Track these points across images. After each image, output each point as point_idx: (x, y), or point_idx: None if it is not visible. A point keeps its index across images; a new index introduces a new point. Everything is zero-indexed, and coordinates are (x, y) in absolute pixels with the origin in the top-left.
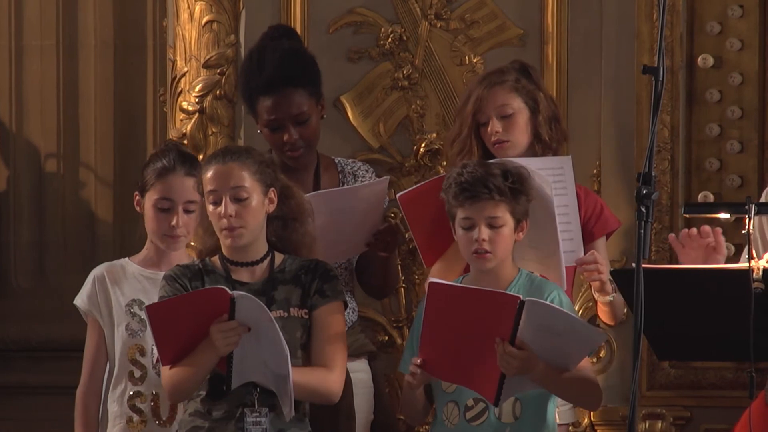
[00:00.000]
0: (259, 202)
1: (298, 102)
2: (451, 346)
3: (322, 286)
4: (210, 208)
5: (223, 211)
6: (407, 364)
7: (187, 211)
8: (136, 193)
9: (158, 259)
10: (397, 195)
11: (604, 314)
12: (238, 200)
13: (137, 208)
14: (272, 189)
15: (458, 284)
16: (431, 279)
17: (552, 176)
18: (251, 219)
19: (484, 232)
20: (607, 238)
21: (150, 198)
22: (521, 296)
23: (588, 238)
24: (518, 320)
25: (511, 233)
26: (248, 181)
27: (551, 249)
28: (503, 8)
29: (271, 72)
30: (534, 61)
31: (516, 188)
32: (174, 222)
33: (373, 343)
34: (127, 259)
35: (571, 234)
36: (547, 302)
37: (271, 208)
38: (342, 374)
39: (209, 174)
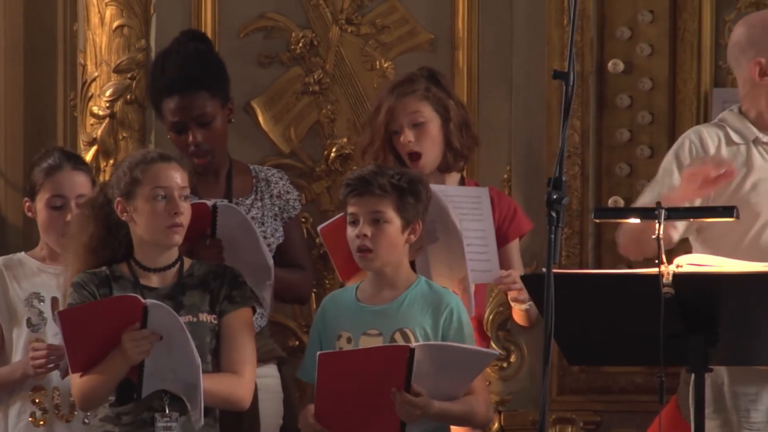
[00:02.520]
0: (189, 207)
1: (201, 103)
2: (347, 406)
3: (231, 292)
4: (151, 204)
5: (176, 209)
6: (306, 371)
7: (79, 206)
8: (26, 199)
9: (54, 258)
10: (319, 228)
11: (519, 318)
12: (183, 199)
13: (29, 214)
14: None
15: (346, 350)
16: (320, 352)
17: (469, 203)
18: (187, 221)
19: (366, 228)
20: (519, 240)
21: (41, 198)
22: (409, 345)
23: (502, 241)
24: (411, 367)
25: (397, 232)
26: (187, 183)
27: (462, 272)
28: (414, 13)
29: (174, 74)
30: (444, 66)
31: (401, 186)
32: (68, 218)
33: (284, 348)
34: (23, 253)
35: (488, 255)
36: (436, 342)
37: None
38: (252, 380)
39: (151, 173)
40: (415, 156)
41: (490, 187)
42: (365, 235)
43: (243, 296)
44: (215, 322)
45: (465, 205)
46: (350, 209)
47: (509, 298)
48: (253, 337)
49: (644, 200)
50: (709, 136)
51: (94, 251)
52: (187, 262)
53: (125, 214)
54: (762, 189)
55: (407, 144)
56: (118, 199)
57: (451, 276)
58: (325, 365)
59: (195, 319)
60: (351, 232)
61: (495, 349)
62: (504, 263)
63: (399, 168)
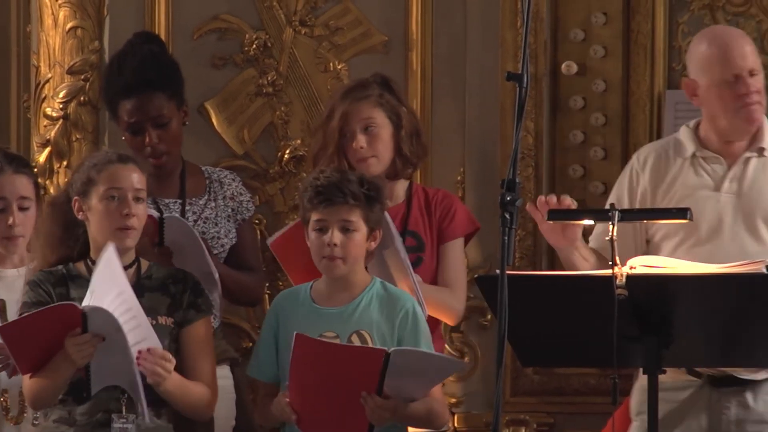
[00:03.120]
0: (146, 210)
1: (158, 105)
2: (319, 398)
3: (195, 300)
4: (104, 204)
5: (127, 210)
6: (255, 369)
7: (21, 209)
8: None
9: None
10: (268, 242)
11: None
12: (137, 201)
13: None
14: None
15: (323, 340)
16: (296, 332)
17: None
18: (141, 224)
19: (337, 236)
20: (467, 242)
21: None
22: (386, 349)
23: (440, 240)
24: (384, 372)
25: (363, 240)
26: (144, 185)
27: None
28: (367, 15)
29: (131, 75)
30: (398, 68)
31: (371, 195)
32: (10, 222)
33: (237, 350)
34: None
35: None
36: (411, 348)
37: (145, 219)
38: (216, 389)
39: (107, 173)
40: (366, 161)
41: (436, 189)
42: (335, 244)
43: (207, 303)
44: (173, 326)
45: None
46: (318, 216)
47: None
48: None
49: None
50: (646, 154)
51: (52, 249)
52: (145, 263)
53: (81, 213)
54: (687, 204)
55: (359, 149)
56: (75, 197)
57: (405, 282)
58: (300, 348)
59: (154, 322)
60: (317, 238)
61: (452, 354)
62: (439, 263)
63: (360, 174)
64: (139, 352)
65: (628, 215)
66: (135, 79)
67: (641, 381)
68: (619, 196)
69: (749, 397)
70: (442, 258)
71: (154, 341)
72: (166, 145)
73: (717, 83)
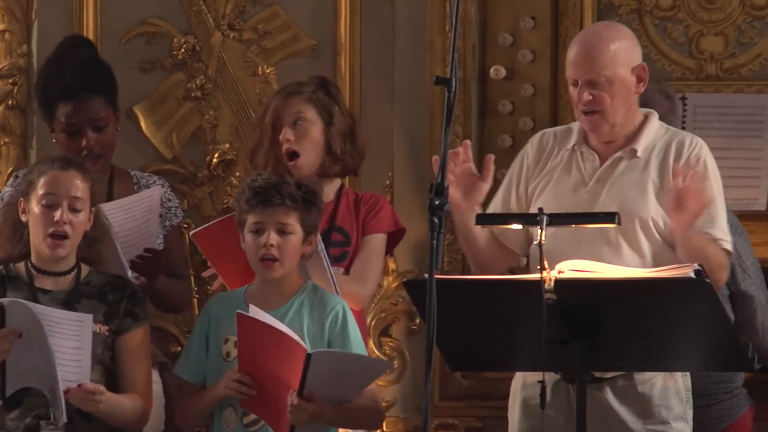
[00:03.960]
0: (85, 218)
1: (97, 108)
2: (262, 381)
3: (133, 309)
4: (38, 209)
5: (59, 217)
6: (184, 369)
7: None
8: None
9: None
10: (191, 233)
11: None
12: (74, 210)
13: None
14: (94, 207)
15: (260, 320)
16: (238, 311)
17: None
18: (77, 233)
19: (273, 238)
20: (394, 245)
21: None
22: (308, 348)
23: (362, 233)
24: (306, 372)
25: (299, 243)
26: (85, 195)
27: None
28: (296, 19)
29: (72, 78)
30: (327, 72)
31: (308, 198)
32: None
33: (165, 354)
34: None
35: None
36: (332, 350)
37: (89, 226)
38: (152, 397)
39: (46, 177)
40: (293, 155)
41: (362, 192)
42: (272, 245)
43: (144, 312)
44: (108, 333)
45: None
46: (255, 218)
47: None
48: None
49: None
50: (541, 136)
51: (1, 247)
52: (85, 269)
53: (23, 214)
54: (550, 193)
55: (286, 142)
56: (20, 198)
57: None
58: (243, 326)
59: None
60: (254, 240)
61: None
62: (362, 254)
63: (297, 179)
64: (68, 389)
65: (556, 219)
66: (76, 82)
67: (514, 384)
68: (510, 175)
69: (606, 395)
70: (359, 249)
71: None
72: (101, 149)
73: (569, 80)
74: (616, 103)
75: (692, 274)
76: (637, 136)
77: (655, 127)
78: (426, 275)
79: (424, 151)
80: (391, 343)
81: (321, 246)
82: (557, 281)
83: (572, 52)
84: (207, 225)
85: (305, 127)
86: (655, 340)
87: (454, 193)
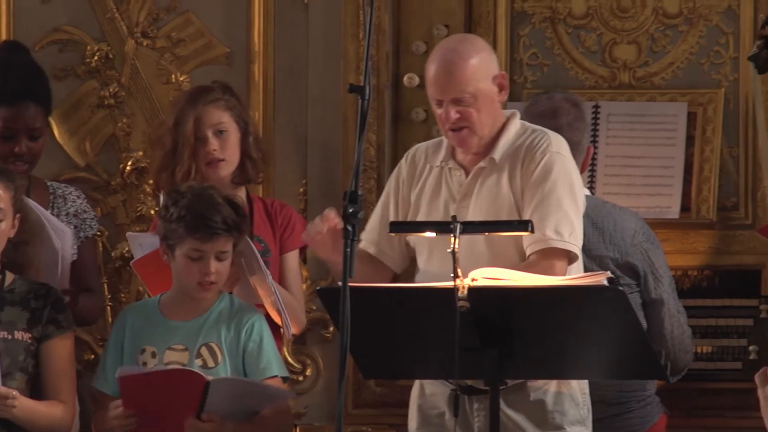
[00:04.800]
0: (8, 228)
1: (35, 116)
2: (153, 422)
3: (56, 316)
4: None
5: None
6: (101, 381)
7: None
8: None
9: None
10: (131, 263)
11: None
12: None
13: None
14: (18, 215)
15: (144, 371)
16: (118, 373)
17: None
18: None
19: (214, 266)
20: (303, 252)
21: None
22: (207, 377)
23: (281, 250)
24: (205, 397)
25: (230, 262)
26: (6, 204)
27: (272, 296)
28: (210, 27)
29: (15, 83)
30: (241, 80)
31: (238, 221)
32: None
33: (79, 362)
34: None
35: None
36: (233, 377)
37: (13, 233)
38: (74, 406)
39: None
40: (217, 164)
41: (273, 200)
42: (213, 273)
43: (68, 320)
44: (30, 341)
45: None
46: (196, 246)
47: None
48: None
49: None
50: (414, 152)
51: None
52: (10, 277)
53: None
54: (431, 212)
55: (212, 152)
56: None
57: (269, 300)
58: (125, 386)
59: (10, 336)
60: (191, 265)
61: (294, 366)
62: (280, 273)
63: (223, 195)
64: None
65: (470, 228)
66: (19, 88)
67: (413, 393)
68: (387, 191)
69: (501, 401)
70: (284, 269)
71: None
72: (31, 157)
73: (431, 101)
74: (483, 116)
75: (605, 282)
76: (495, 144)
77: (514, 129)
78: (339, 283)
79: (338, 158)
80: (304, 351)
81: (262, 264)
82: (470, 289)
83: (432, 72)
84: (147, 253)
85: (226, 136)
86: (569, 347)
87: (323, 251)
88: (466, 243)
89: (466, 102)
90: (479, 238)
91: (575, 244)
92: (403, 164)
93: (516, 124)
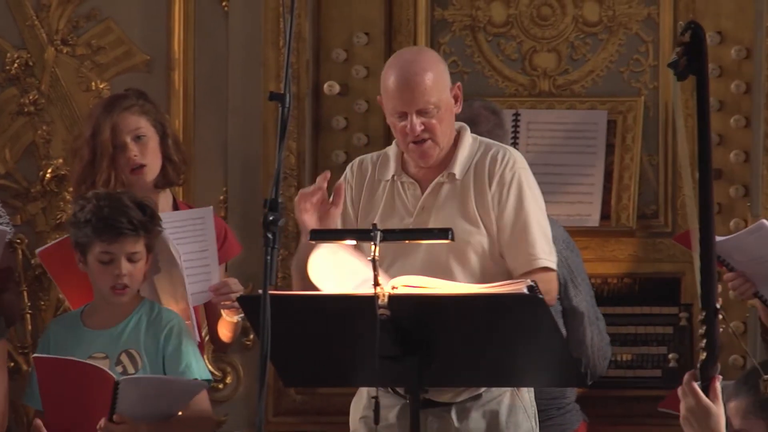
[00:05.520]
0: None
1: None
2: (70, 420)
3: None
4: None
5: None
6: (28, 396)
7: None
8: None
9: None
10: (37, 251)
11: (224, 334)
12: None
13: None
14: None
15: (62, 357)
16: (34, 355)
17: (191, 226)
18: None
19: (126, 267)
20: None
21: None
22: (116, 377)
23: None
24: (116, 397)
25: (144, 265)
26: None
27: (184, 303)
28: (129, 35)
29: None
30: (161, 87)
31: (151, 220)
32: None
33: None
34: None
35: (209, 276)
36: (143, 375)
37: None
38: (6, 414)
39: None
40: (140, 169)
41: (195, 207)
42: (125, 275)
43: (1, 327)
44: None
45: (186, 228)
46: (104, 248)
47: (223, 309)
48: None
49: None
50: (362, 166)
51: None
52: None
53: None
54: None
55: (133, 158)
56: None
57: (176, 306)
58: (42, 369)
59: None
60: (103, 269)
61: (214, 374)
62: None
63: (132, 197)
64: None
65: (390, 235)
66: None
67: (356, 397)
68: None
69: (453, 416)
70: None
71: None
72: None
73: (391, 114)
74: (444, 126)
75: (525, 290)
76: (452, 158)
77: (468, 143)
78: (260, 291)
79: (258, 166)
80: (225, 359)
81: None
82: (391, 297)
83: (394, 85)
84: (53, 242)
85: (145, 142)
86: (490, 355)
87: (309, 220)
88: (426, 252)
89: (431, 113)
90: (442, 248)
91: (554, 260)
92: (349, 174)
93: (468, 138)
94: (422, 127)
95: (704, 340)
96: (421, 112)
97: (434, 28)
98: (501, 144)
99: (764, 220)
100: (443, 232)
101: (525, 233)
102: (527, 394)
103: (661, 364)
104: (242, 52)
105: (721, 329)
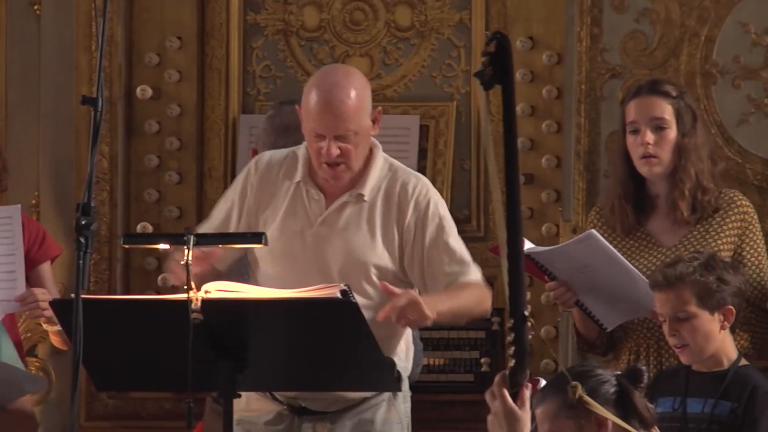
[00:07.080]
0: None
1: None
2: None
3: None
4: None
5: None
6: None
7: None
8: None
9: None
10: None
11: (55, 341)
12: None
13: None
14: None
15: None
16: None
17: (1, 225)
18: None
19: None
20: (51, 263)
21: None
22: None
23: (31, 265)
24: None
25: None
26: None
27: None
28: None
29: None
30: None
31: None
32: None
33: None
34: None
35: (15, 283)
36: None
37: None
38: None
39: None
40: None
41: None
42: None
43: None
44: None
45: None
46: None
47: (42, 320)
48: None
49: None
50: (268, 165)
51: None
52: None
53: None
54: (280, 234)
55: None
56: None
57: None
58: None
59: None
60: None
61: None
62: (36, 286)
63: None
64: None
65: (203, 240)
66: None
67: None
68: (232, 197)
69: (328, 425)
70: (39, 281)
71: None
72: None
73: (308, 132)
74: (359, 151)
75: (338, 295)
76: (362, 178)
77: (379, 165)
78: (72, 295)
79: (71, 170)
80: (37, 363)
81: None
82: (204, 301)
83: (316, 107)
84: None
85: None
86: (304, 359)
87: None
88: (342, 252)
89: (348, 139)
90: (350, 268)
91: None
92: (253, 171)
93: (380, 159)
94: (338, 152)
95: (513, 348)
96: (339, 138)
97: (247, 33)
98: (408, 169)
99: (593, 230)
100: (257, 237)
101: (448, 253)
102: (403, 406)
103: (473, 368)
104: (54, 56)
105: (530, 336)
